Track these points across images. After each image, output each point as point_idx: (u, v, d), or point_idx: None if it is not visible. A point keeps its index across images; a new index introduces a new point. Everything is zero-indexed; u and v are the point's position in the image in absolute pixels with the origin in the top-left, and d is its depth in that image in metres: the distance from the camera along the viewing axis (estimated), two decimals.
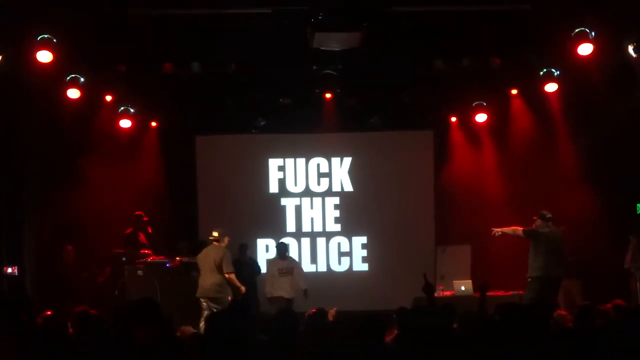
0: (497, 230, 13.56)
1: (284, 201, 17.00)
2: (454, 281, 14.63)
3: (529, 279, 13.19)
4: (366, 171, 17.13)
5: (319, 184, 17.09)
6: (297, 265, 14.91)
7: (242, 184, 16.90)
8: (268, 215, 16.81)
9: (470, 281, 14.46)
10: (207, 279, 13.28)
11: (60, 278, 14.31)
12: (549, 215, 13.37)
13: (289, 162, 17.08)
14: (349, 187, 17.08)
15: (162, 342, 6.27)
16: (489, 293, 13.18)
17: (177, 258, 14.04)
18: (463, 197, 16.52)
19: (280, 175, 17.04)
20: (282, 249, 14.83)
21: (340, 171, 17.10)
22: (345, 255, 17.01)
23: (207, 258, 13.43)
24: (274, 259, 14.91)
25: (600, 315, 7.98)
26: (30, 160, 14.37)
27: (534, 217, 13.44)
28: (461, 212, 16.29)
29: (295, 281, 14.54)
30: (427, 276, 9.12)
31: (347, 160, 17.13)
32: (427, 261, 15.75)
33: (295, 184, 17.06)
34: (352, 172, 17.10)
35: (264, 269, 15.55)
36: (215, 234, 13.49)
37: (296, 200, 17.02)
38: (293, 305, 13.96)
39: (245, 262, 15.34)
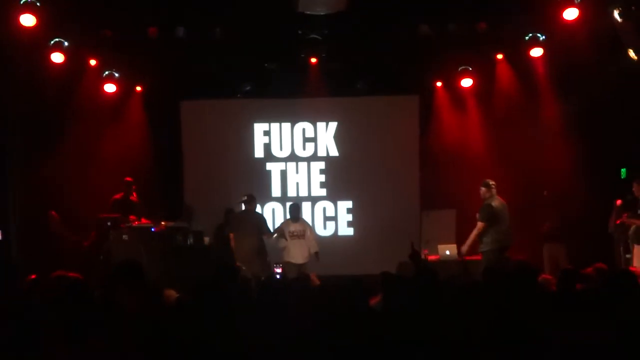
0: (464, 249, 13.49)
1: (269, 166, 16.93)
2: (439, 245, 14.59)
3: (483, 252, 13.21)
4: (352, 136, 17.05)
5: (304, 148, 17.02)
6: (309, 228, 14.73)
7: (227, 149, 16.82)
8: (254, 180, 16.67)
9: (455, 245, 14.40)
10: (245, 244, 13.82)
11: (45, 243, 14.24)
12: (492, 183, 13.45)
13: (275, 126, 16.98)
14: (334, 152, 17.02)
15: (146, 306, 6.32)
16: (474, 257, 13.36)
17: (163, 222, 14.01)
18: (448, 162, 16.45)
19: (266, 140, 16.95)
20: (295, 210, 14.65)
21: (326, 136, 17.02)
22: (331, 219, 16.99)
23: (244, 223, 13.99)
24: (285, 221, 14.85)
25: (583, 279, 8.01)
26: (13, 125, 14.21)
27: (481, 188, 13.49)
28: (446, 177, 16.22)
29: (307, 245, 14.42)
30: (414, 244, 9.13)
31: (333, 125, 17.03)
32: (412, 225, 15.91)
33: (281, 149, 16.98)
34: (338, 137, 17.02)
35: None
36: (245, 197, 14.18)
37: (281, 165, 16.95)
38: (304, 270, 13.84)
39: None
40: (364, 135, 17.01)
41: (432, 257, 14.54)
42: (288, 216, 15.04)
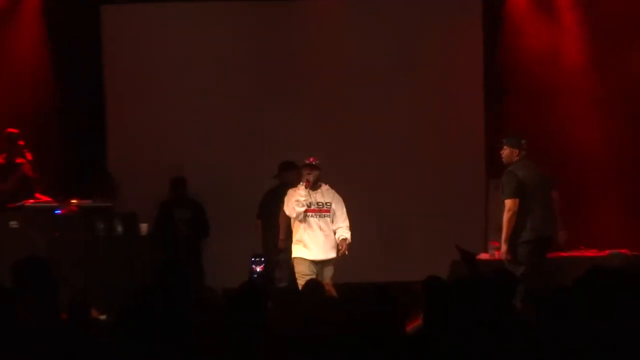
0: (503, 248, 13.34)
1: (245, 109, 16.87)
2: None
3: (512, 246, 13.26)
4: (377, 61, 16.97)
5: (301, 82, 16.97)
6: (337, 200, 13.88)
7: (177, 83, 16.79)
8: (221, 132, 16.78)
9: None
10: (272, 235, 14.58)
11: None
12: (523, 140, 13.60)
13: (251, 46, 16.92)
14: (349, 85, 16.93)
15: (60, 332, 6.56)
16: (574, 253, 13.35)
17: (73, 201, 14.07)
18: (530, 99, 16.39)
19: (239, 67, 16.92)
20: (313, 169, 13.75)
21: (335, 61, 16.97)
22: (349, 196, 16.57)
23: (270, 205, 14.64)
24: (294, 189, 13.93)
25: None
26: None
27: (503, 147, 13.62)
28: (527, 123, 15.96)
29: (332, 229, 13.71)
30: (460, 247, 9.28)
31: (346, 43, 16.97)
32: (474, 203, 16.15)
33: (262, 82, 16.90)
34: (354, 63, 16.93)
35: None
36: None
37: (265, 108, 16.81)
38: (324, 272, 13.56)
39: (181, 207, 15.40)
40: (396, 59, 16.92)
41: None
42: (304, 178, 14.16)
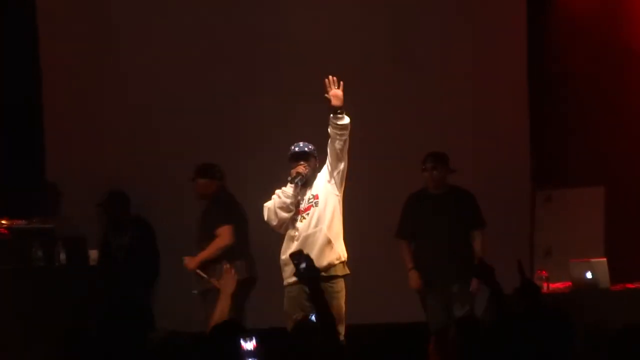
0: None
1: (229, 99, 17.10)
2: (571, 261, 14.64)
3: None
4: (401, 39, 17.19)
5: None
6: (331, 196, 13.42)
7: (129, 71, 16.88)
8: (194, 130, 16.92)
9: (604, 260, 14.42)
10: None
11: None
12: (217, 168, 14.68)
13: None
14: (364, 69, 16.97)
15: None
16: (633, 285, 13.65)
17: (3, 222, 14.25)
18: (588, 93, 16.51)
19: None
20: (300, 156, 13.38)
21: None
22: (360, 210, 16.48)
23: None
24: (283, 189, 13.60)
25: None
26: None
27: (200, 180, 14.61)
28: (584, 122, 16.38)
29: (326, 237, 13.25)
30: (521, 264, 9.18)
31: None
32: (516, 220, 16.22)
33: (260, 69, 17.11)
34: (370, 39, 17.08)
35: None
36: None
37: (258, 99, 17.04)
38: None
39: (118, 230, 15.34)
40: (423, 37, 17.18)
41: (557, 285, 14.82)
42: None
